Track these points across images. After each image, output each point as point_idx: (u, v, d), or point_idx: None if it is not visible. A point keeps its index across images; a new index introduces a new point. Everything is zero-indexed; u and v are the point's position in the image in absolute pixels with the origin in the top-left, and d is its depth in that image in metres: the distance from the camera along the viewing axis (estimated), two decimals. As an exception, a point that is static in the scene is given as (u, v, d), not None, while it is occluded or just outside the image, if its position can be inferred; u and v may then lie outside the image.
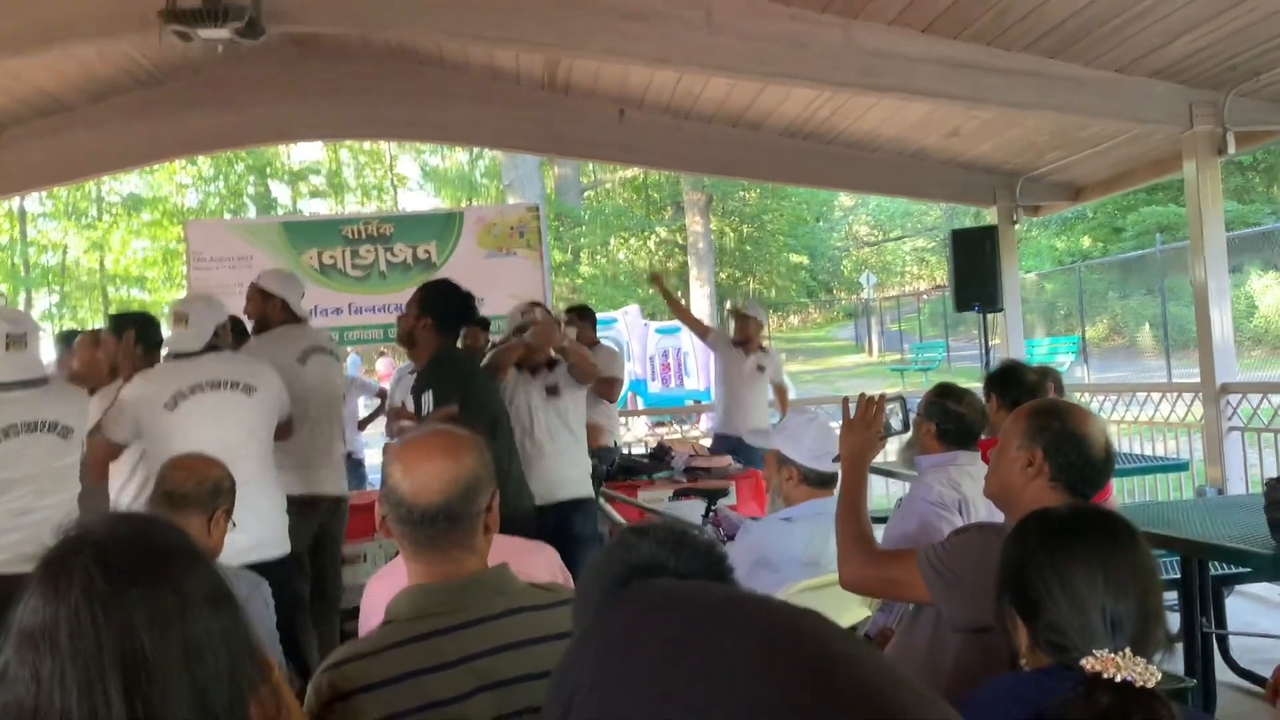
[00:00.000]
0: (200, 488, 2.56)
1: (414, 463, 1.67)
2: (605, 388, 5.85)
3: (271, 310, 4.34)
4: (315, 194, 27.45)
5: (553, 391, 4.50)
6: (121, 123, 6.49)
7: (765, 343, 6.83)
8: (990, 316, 7.72)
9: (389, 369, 15.04)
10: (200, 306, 3.74)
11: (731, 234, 31.33)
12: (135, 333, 3.86)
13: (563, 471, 4.47)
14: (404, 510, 1.65)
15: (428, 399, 3.73)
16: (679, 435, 9.97)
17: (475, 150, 28.35)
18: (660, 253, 30.42)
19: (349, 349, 9.15)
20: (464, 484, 1.66)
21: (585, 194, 28.52)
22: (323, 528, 4.22)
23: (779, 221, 30.56)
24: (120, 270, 23.66)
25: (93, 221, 23.96)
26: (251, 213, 24.61)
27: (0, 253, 22.57)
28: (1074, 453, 2.03)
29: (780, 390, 6.71)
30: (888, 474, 5.68)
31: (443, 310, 3.90)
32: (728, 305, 22.81)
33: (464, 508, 1.65)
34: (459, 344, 4.18)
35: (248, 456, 3.52)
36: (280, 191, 27.49)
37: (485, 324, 6.27)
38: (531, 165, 18.22)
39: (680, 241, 28.89)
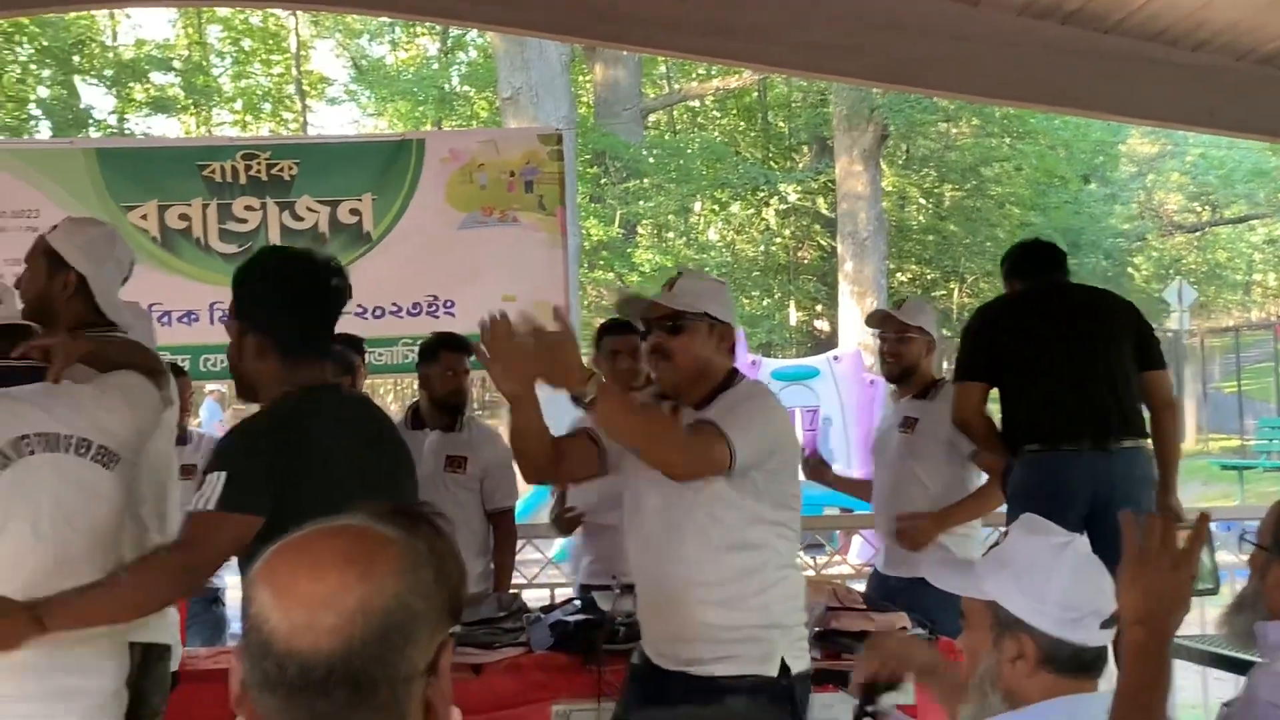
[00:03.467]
0: None
1: (293, 583, 1.72)
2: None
3: (61, 296, 4.42)
4: (160, 103, 28.10)
5: None
6: None
7: (940, 375, 6.84)
8: None
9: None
10: None
11: (922, 200, 31.35)
12: None
13: None
14: (271, 664, 1.69)
15: (211, 487, 3.67)
16: (811, 571, 9.95)
17: (450, 34, 28.90)
18: (787, 231, 30.53)
19: (207, 387, 9.20)
20: (377, 620, 1.70)
21: (651, 118, 28.81)
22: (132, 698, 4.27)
23: (1014, 179, 30.54)
24: None
25: None
26: (44, 132, 25.27)
27: None
28: None
29: (988, 466, 6.62)
30: (1202, 657, 5.74)
31: (285, 313, 3.86)
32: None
33: (377, 664, 1.70)
34: (333, 381, 4.16)
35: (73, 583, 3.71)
36: (96, 97, 28.27)
37: (460, 345, 6.39)
38: (554, 63, 18.47)
39: (824, 211, 28.98)
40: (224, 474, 3.65)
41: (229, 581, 7.94)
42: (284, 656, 1.69)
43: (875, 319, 6.76)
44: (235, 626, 7.91)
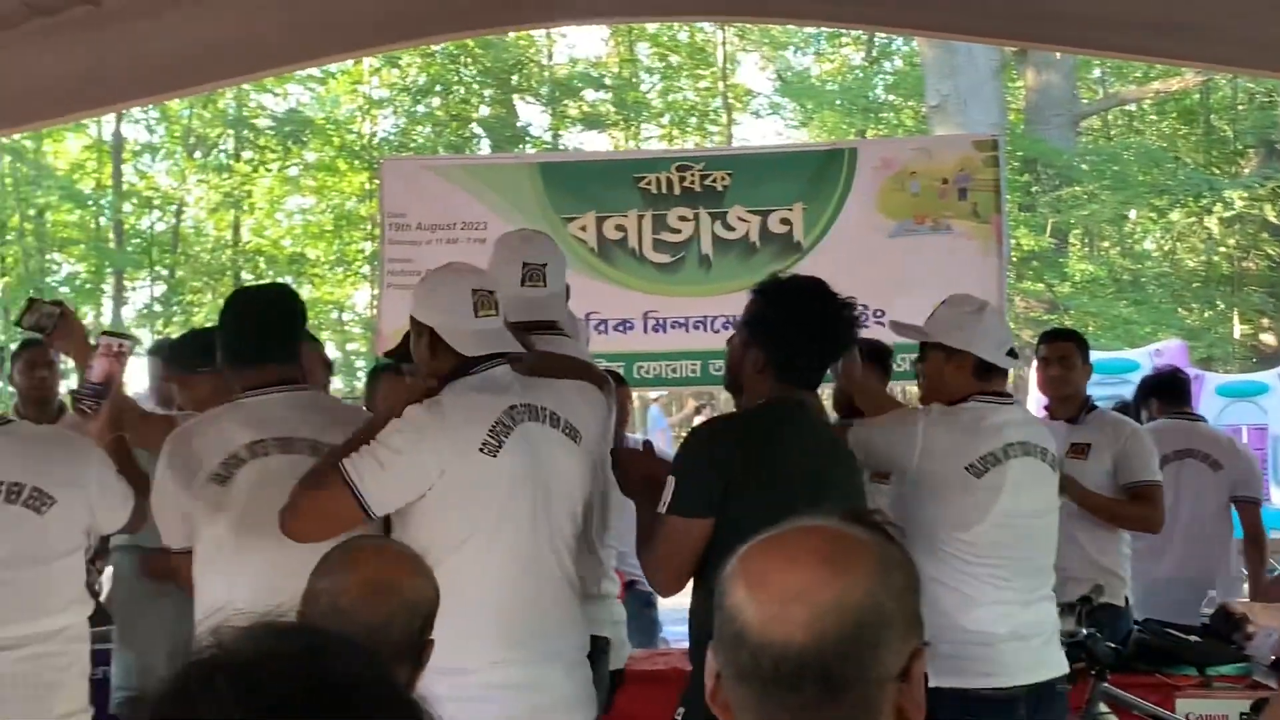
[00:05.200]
0: (406, 618, 2.82)
1: (767, 575, 1.77)
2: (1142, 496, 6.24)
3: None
4: (593, 120, 29.02)
5: None
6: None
7: None
8: None
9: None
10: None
11: (1383, 206, 29.55)
12: None
13: None
14: (745, 656, 1.74)
15: (668, 491, 4.00)
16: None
17: (875, 42, 28.89)
18: (1231, 240, 29.27)
19: (650, 394, 9.46)
20: (850, 617, 1.73)
21: (1084, 123, 28.08)
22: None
23: None
24: (267, 244, 26.21)
25: (224, 161, 26.79)
26: (485, 148, 26.46)
27: (83, 211, 25.67)
28: None
29: None
30: None
31: (791, 344, 4.11)
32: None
33: (849, 662, 1.73)
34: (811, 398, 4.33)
35: (558, 555, 4.02)
36: (533, 114, 29.39)
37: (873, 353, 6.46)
38: (983, 69, 18.24)
39: (1273, 219, 27.65)
40: (673, 479, 3.99)
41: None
42: (758, 648, 1.73)
43: None
44: (667, 630, 8.09)
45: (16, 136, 20.77)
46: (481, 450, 3.83)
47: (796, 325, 4.09)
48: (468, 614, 3.71)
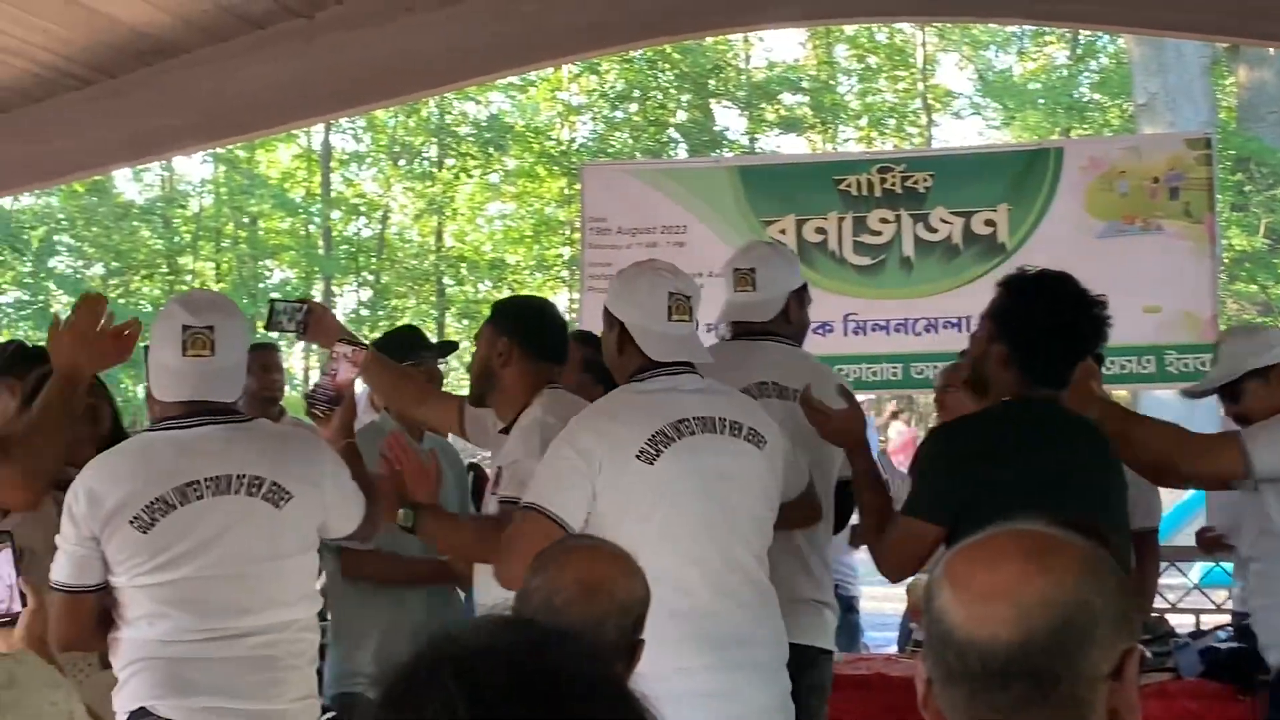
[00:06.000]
0: (619, 618, 2.87)
1: (971, 576, 1.79)
2: None
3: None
4: (790, 123, 28.98)
5: None
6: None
7: None
8: None
9: (909, 440, 15.25)
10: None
11: None
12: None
13: None
14: (952, 655, 1.76)
15: (907, 490, 4.03)
16: None
17: (1080, 40, 28.35)
18: None
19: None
20: (1056, 614, 1.73)
21: (1301, 119, 27.25)
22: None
23: None
24: (469, 249, 26.64)
25: (428, 168, 27.30)
26: (682, 153, 26.64)
27: (293, 219, 26.39)
28: None
29: None
30: None
31: (1028, 328, 4.00)
32: None
33: (1057, 659, 1.72)
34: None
35: (743, 564, 3.94)
36: (729, 119, 29.42)
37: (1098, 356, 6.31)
38: (1193, 66, 17.79)
39: None
40: (911, 479, 4.05)
41: (863, 591, 8.08)
42: (964, 646, 1.74)
43: None
44: (867, 635, 8.04)
45: (230, 146, 21.43)
46: (639, 457, 3.79)
47: (1043, 320, 3.96)
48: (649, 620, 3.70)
